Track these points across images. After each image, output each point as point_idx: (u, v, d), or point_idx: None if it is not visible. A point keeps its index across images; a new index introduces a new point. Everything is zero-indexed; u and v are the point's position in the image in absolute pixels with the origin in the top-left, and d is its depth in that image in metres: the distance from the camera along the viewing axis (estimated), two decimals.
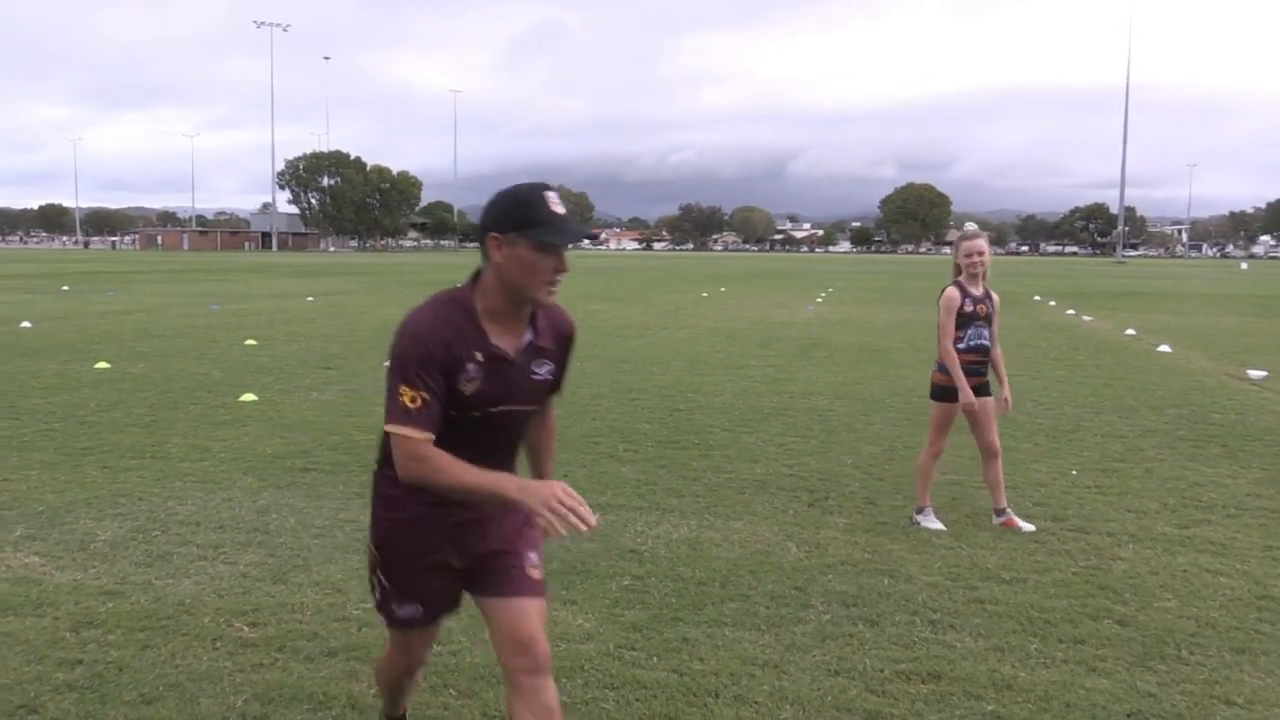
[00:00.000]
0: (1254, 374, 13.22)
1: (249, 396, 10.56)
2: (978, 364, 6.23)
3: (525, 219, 2.67)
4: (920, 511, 6.34)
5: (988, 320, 6.22)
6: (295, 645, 4.34)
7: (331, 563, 5.41)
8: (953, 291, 6.21)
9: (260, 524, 6.09)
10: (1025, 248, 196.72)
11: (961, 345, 6.18)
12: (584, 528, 2.52)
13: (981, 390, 6.26)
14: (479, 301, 2.76)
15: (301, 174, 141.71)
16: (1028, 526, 6.17)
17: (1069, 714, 3.85)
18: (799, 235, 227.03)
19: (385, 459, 2.89)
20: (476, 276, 2.78)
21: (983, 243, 6.19)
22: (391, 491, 2.87)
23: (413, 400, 2.68)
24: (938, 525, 6.23)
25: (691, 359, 14.43)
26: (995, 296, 6.31)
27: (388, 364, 2.75)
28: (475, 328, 2.74)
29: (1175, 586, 5.19)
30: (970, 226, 6.43)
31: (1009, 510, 6.31)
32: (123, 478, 7.14)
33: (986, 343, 6.23)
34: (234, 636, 4.43)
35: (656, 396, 11.00)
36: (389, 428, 2.71)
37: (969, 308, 6.17)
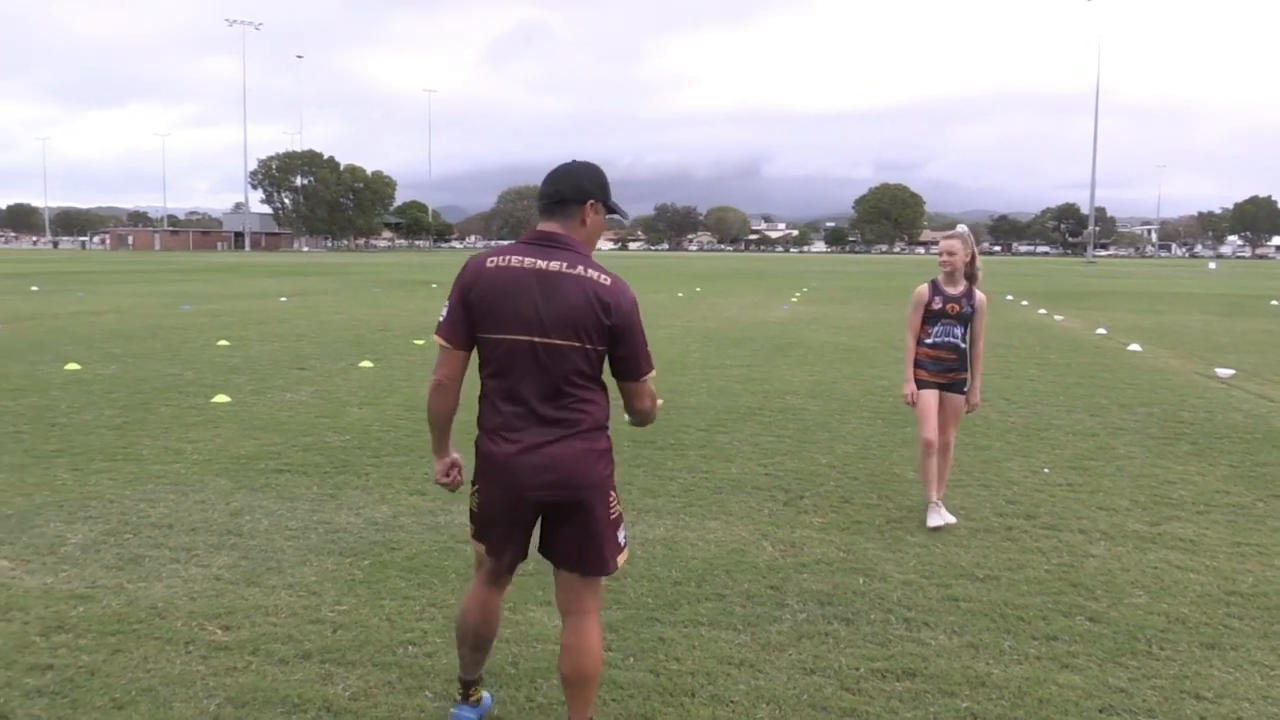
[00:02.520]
0: (1222, 372, 13.38)
1: (221, 398, 10.47)
2: (945, 361, 6.30)
3: (609, 196, 3.36)
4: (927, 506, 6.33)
5: (960, 319, 6.26)
6: (269, 648, 4.31)
7: (305, 565, 5.37)
8: (923, 288, 6.35)
9: (233, 526, 6.04)
10: (998, 248, 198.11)
11: (928, 341, 6.30)
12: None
13: (951, 388, 6.31)
14: None
15: (274, 173, 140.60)
16: (949, 519, 6.17)
17: (1042, 710, 3.88)
18: (774, 235, 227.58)
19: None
20: (561, 241, 3.26)
21: (955, 243, 6.27)
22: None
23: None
24: (937, 522, 6.13)
25: (667, 359, 14.43)
26: (980, 296, 6.34)
27: (636, 321, 3.27)
28: None
29: (1146, 583, 5.25)
30: (960, 228, 6.51)
31: (939, 503, 6.26)
32: (93, 480, 7.06)
33: (957, 341, 6.28)
34: (207, 640, 4.39)
35: None
36: (654, 373, 3.37)
37: (938, 305, 6.26)
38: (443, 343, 3.32)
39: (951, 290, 6.29)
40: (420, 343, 16.23)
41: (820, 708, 3.88)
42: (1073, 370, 13.70)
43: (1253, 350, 16.75)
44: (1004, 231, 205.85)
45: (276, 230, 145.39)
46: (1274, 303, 30.97)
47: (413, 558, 5.48)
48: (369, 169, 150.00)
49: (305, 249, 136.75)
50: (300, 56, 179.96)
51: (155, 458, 7.79)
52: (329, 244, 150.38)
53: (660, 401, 3.48)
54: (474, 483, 3.43)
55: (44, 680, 4.00)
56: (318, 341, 16.46)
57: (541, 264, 3.20)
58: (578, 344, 3.19)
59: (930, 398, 6.30)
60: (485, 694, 3.83)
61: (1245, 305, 30.19)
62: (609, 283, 3.22)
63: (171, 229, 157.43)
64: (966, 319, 6.27)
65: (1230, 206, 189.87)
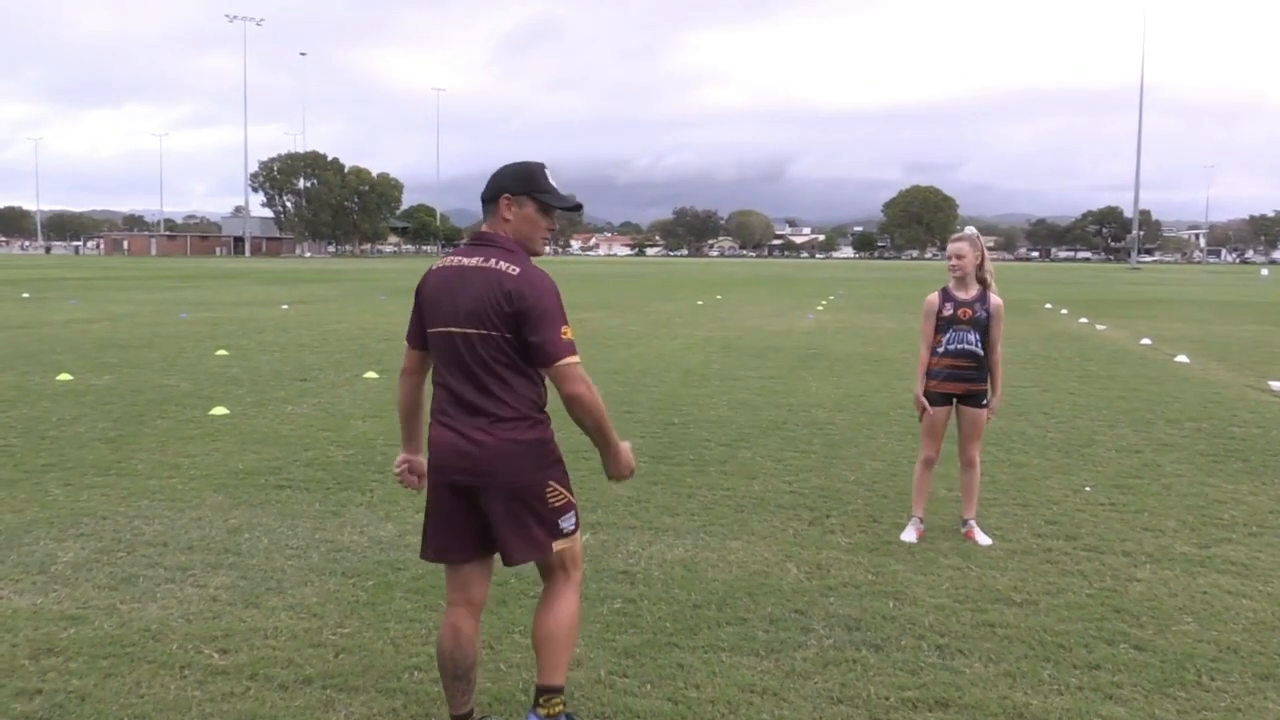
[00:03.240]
0: (1276, 385, 13.27)
1: (220, 410, 10.53)
2: (961, 369, 6.32)
3: (532, 185, 3.57)
4: (908, 520, 6.50)
5: (973, 324, 6.27)
6: (268, 673, 4.32)
7: (307, 585, 5.39)
8: (933, 296, 6.42)
9: (231, 544, 6.06)
10: (1035, 253, 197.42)
11: (940, 349, 6.34)
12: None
13: (969, 399, 6.33)
14: None
15: (276, 176, 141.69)
16: (984, 540, 6.27)
17: None
18: (798, 240, 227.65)
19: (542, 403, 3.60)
20: (486, 239, 3.58)
21: (964, 245, 6.32)
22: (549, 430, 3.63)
23: (571, 334, 3.51)
24: (909, 537, 6.33)
25: (686, 370, 14.43)
26: (995, 300, 6.34)
27: (548, 308, 3.44)
28: None
29: (1195, 609, 5.20)
30: (968, 230, 6.54)
31: (973, 522, 6.43)
32: (86, 496, 7.11)
33: (972, 347, 6.30)
34: (203, 664, 4.41)
35: (649, 410, 11.00)
36: (573, 359, 3.47)
37: (949, 311, 6.32)
38: (406, 342, 3.77)
39: (963, 295, 6.32)
40: None
41: None
42: (1116, 383, 13.62)
43: None
44: (1042, 236, 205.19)
45: (278, 235, 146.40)
46: None
47: (419, 578, 5.49)
48: (375, 171, 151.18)
49: (308, 254, 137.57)
50: (303, 54, 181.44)
51: (150, 472, 7.84)
52: (332, 249, 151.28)
53: (595, 405, 3.52)
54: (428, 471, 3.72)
55: (32, 706, 4.02)
56: (320, 351, 16.54)
57: (466, 261, 3.57)
58: (484, 331, 3.47)
59: (939, 414, 6.38)
60: None
61: None
62: (516, 272, 3.47)
63: (168, 233, 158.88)
64: (981, 324, 6.27)
65: None
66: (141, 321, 22.37)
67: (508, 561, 3.60)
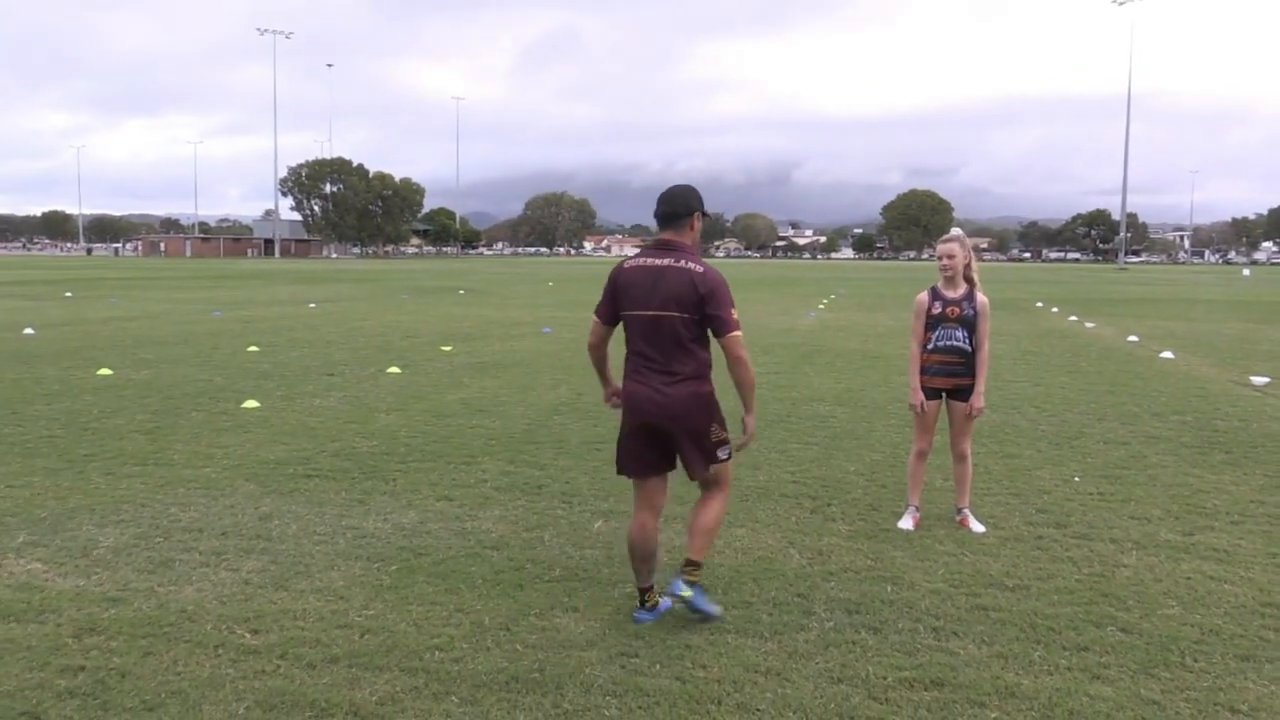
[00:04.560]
0: (1257, 380, 13.21)
1: (251, 403, 10.57)
2: (949, 365, 6.31)
3: (704, 206, 4.78)
4: (905, 508, 6.50)
5: (961, 322, 6.25)
6: (297, 652, 4.34)
7: (334, 569, 5.41)
8: (923, 295, 6.41)
9: (262, 531, 6.09)
10: (1027, 254, 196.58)
11: (930, 346, 6.33)
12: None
13: (958, 394, 6.32)
14: None
15: (304, 181, 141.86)
16: (978, 528, 6.28)
17: None
18: (801, 242, 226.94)
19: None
20: (673, 245, 4.65)
21: (954, 246, 6.30)
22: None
23: (738, 315, 4.62)
24: (906, 525, 6.33)
25: None
26: (982, 299, 6.32)
27: (723, 295, 4.55)
28: None
29: (1179, 593, 5.18)
30: (955, 231, 6.52)
31: (967, 510, 6.44)
32: (125, 484, 7.15)
33: (960, 344, 6.28)
34: (236, 643, 4.43)
35: None
36: (739, 333, 4.57)
37: (938, 310, 6.31)
38: (595, 318, 4.82)
39: (951, 294, 6.31)
40: (448, 349, 16.31)
41: (847, 717, 3.85)
42: (1104, 378, 13.57)
43: None
44: (1034, 238, 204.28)
45: (306, 237, 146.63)
46: None
47: (440, 563, 5.51)
48: (398, 176, 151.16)
49: (334, 255, 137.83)
50: (330, 65, 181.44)
51: (186, 462, 7.87)
52: (357, 251, 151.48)
53: (751, 370, 4.64)
54: (623, 415, 4.77)
55: (76, 682, 4.05)
56: (346, 348, 16.58)
57: (659, 262, 4.60)
58: (679, 314, 4.52)
59: (930, 408, 6.38)
60: (662, 599, 4.80)
61: None
62: (702, 270, 4.55)
63: (203, 236, 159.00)
64: (969, 322, 6.26)
65: (1265, 212, 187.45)
66: (177, 319, 22.45)
67: (691, 476, 4.72)
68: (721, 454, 4.71)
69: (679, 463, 4.77)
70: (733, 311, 4.57)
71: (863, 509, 6.75)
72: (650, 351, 4.59)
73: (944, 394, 6.37)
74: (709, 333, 4.61)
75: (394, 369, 13.57)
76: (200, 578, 5.26)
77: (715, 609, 4.76)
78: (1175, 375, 14.00)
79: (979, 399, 6.33)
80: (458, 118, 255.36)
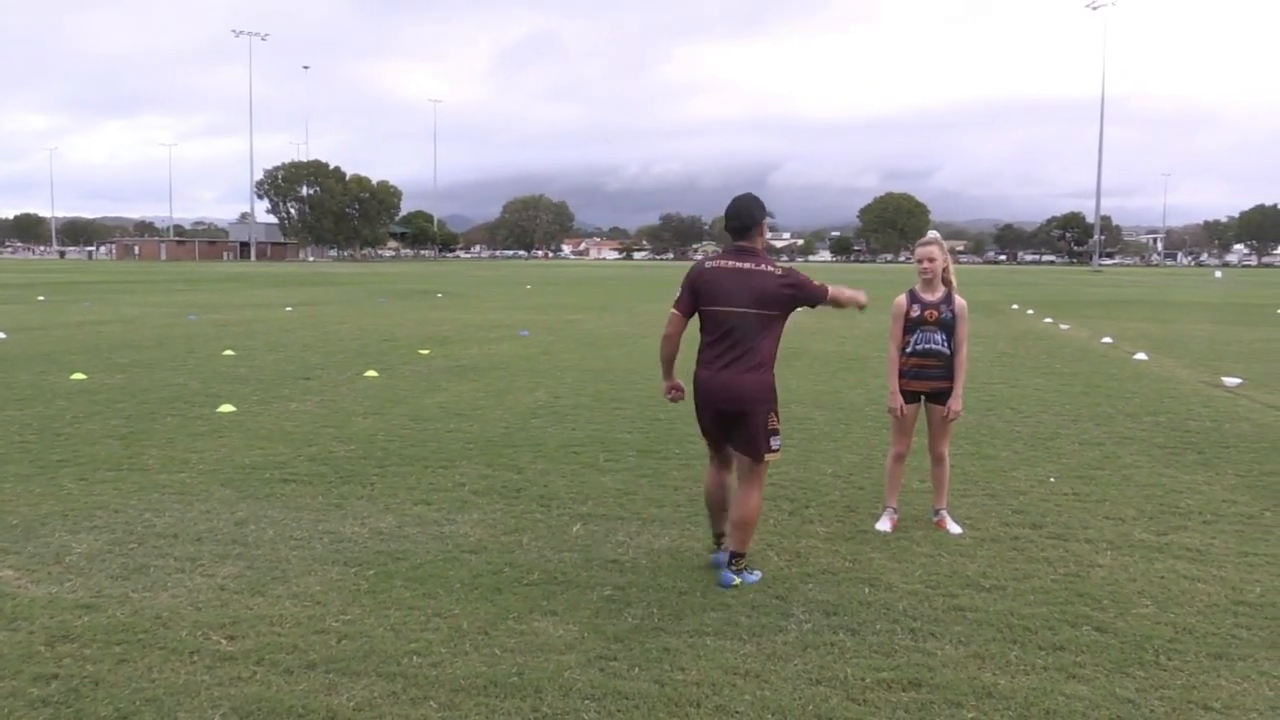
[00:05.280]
0: (1229, 381, 13.35)
1: (227, 407, 10.49)
2: (927, 368, 6.32)
3: (768, 214, 5.47)
4: (883, 510, 6.52)
5: (940, 325, 6.27)
6: (274, 658, 4.31)
7: (310, 574, 5.37)
8: (901, 298, 6.40)
9: (238, 536, 6.05)
10: (1002, 256, 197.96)
11: (908, 349, 6.35)
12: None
13: (936, 397, 6.35)
14: None
15: (280, 183, 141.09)
16: (955, 529, 6.31)
17: None
18: (779, 244, 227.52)
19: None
20: (750, 249, 5.33)
21: (934, 249, 6.30)
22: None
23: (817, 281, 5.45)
24: (884, 527, 6.35)
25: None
26: (960, 301, 6.35)
27: (805, 280, 5.32)
28: None
29: (1153, 593, 5.23)
30: (931, 234, 6.54)
31: (944, 512, 6.47)
32: (99, 490, 7.07)
33: (938, 347, 6.30)
34: (212, 650, 4.39)
35: (637, 406, 11.00)
36: (826, 288, 5.39)
37: (916, 313, 6.32)
38: (675, 311, 5.40)
39: (929, 297, 6.33)
40: (426, 352, 16.25)
41: (826, 718, 3.86)
42: (1079, 379, 13.68)
43: (1260, 359, 16.71)
44: (1009, 240, 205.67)
45: (282, 240, 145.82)
46: None
47: (418, 567, 5.48)
48: (375, 179, 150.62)
49: (310, 259, 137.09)
50: (306, 67, 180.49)
51: (160, 467, 7.80)
52: (334, 254, 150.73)
53: (859, 295, 5.58)
54: (695, 399, 5.42)
55: (49, 690, 4.00)
56: (323, 351, 16.48)
57: (740, 265, 5.26)
58: (762, 311, 5.19)
59: (908, 411, 6.40)
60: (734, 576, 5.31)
61: (1252, 314, 30.15)
62: (779, 271, 5.27)
63: (178, 239, 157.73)
64: (947, 324, 6.28)
65: (1236, 215, 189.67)
66: (152, 323, 22.26)
67: (755, 458, 5.28)
68: (774, 443, 5.30)
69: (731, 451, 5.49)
70: (815, 282, 5.34)
71: (840, 511, 6.77)
72: (727, 343, 5.22)
73: (922, 397, 6.40)
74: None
75: (371, 373, 13.51)
76: (175, 584, 5.22)
77: (758, 574, 5.39)
78: (1149, 376, 14.14)
79: (957, 402, 6.35)
80: (435, 120, 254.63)
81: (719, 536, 5.61)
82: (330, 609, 4.88)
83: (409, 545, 5.88)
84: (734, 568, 5.29)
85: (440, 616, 4.79)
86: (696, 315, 5.42)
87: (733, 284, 5.22)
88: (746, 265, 5.25)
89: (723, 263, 5.32)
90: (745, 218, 5.35)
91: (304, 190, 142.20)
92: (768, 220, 5.44)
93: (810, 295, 5.30)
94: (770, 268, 5.24)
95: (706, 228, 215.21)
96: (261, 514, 6.52)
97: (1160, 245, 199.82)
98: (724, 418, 5.31)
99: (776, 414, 5.33)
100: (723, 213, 5.47)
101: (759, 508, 5.38)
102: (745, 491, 5.35)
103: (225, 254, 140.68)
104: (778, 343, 5.34)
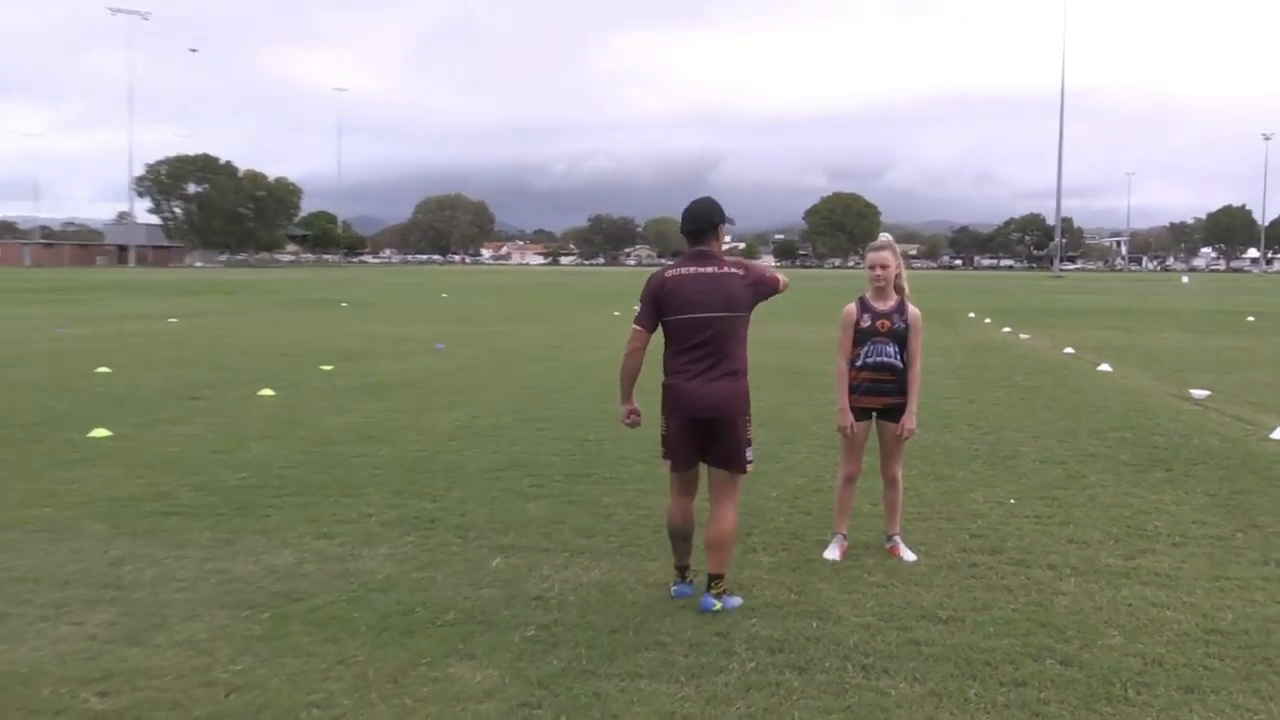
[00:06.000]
0: (1197, 394, 13.72)
1: (101, 432, 10.23)
2: (880, 383, 6.37)
3: (725, 217, 5.68)
4: (832, 537, 6.56)
5: (892, 336, 6.34)
6: (152, 716, 4.20)
7: (196, 620, 5.25)
8: (851, 307, 6.45)
9: (113, 578, 5.89)
10: (959, 261, 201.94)
11: (858, 362, 6.39)
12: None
13: (888, 414, 6.41)
14: None
15: (164, 180, 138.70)
16: (909, 556, 6.38)
17: None
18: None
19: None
20: (708, 253, 5.54)
21: (886, 254, 6.35)
22: None
23: (775, 273, 5.84)
24: (832, 555, 6.39)
25: (602, 384, 14.39)
26: (914, 310, 6.42)
27: (763, 272, 5.66)
28: None
29: (1120, 622, 5.33)
30: (884, 237, 6.58)
31: (897, 537, 6.54)
32: None
33: (890, 360, 6.35)
34: (80, 709, 4.26)
35: (564, 426, 10.97)
36: (782, 278, 5.77)
37: (866, 323, 6.36)
38: (638, 327, 5.53)
39: (881, 306, 6.38)
40: (329, 368, 16.03)
41: None
42: (1040, 393, 13.97)
43: (1229, 370, 17.24)
44: (965, 244, 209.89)
45: (166, 243, 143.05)
46: (1250, 319, 31.96)
47: (318, 609, 5.38)
48: (272, 175, 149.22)
49: (199, 264, 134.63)
50: (194, 50, 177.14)
51: (23, 501, 7.58)
52: (225, 258, 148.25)
53: (786, 280, 5.84)
54: (663, 414, 5.56)
55: None
56: (212, 368, 16.18)
57: (704, 270, 5.46)
58: (735, 314, 5.44)
59: (859, 430, 6.44)
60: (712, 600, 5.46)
61: (1220, 322, 31.12)
62: (741, 271, 5.51)
63: (45, 241, 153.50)
64: (900, 335, 6.34)
65: (1203, 216, 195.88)
66: (13, 337, 21.65)
67: (736, 469, 5.51)
68: (748, 454, 5.54)
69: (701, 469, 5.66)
70: (774, 273, 5.74)
71: (785, 538, 6.81)
72: (701, 350, 5.41)
73: (874, 414, 6.45)
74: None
75: (267, 391, 13.29)
76: (37, 634, 5.05)
77: (738, 599, 5.55)
78: (1113, 389, 14.49)
79: (911, 419, 6.41)
80: (340, 111, 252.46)
81: (683, 570, 5.72)
82: (218, 658, 4.76)
83: (309, 584, 5.77)
84: (714, 591, 5.45)
85: (344, 664, 4.71)
86: (660, 328, 5.55)
87: (699, 290, 5.42)
88: (710, 269, 5.47)
89: (684, 269, 5.50)
90: (703, 221, 5.57)
91: (191, 188, 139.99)
92: (726, 225, 5.68)
93: (770, 287, 5.60)
94: (732, 269, 5.50)
95: (639, 230, 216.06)
96: (140, 552, 6.36)
97: (1124, 249, 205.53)
98: (702, 428, 5.44)
99: (750, 421, 5.54)
100: (679, 215, 5.67)
101: (736, 525, 5.60)
102: (721, 509, 5.53)
103: (100, 259, 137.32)
104: (746, 346, 5.56)
